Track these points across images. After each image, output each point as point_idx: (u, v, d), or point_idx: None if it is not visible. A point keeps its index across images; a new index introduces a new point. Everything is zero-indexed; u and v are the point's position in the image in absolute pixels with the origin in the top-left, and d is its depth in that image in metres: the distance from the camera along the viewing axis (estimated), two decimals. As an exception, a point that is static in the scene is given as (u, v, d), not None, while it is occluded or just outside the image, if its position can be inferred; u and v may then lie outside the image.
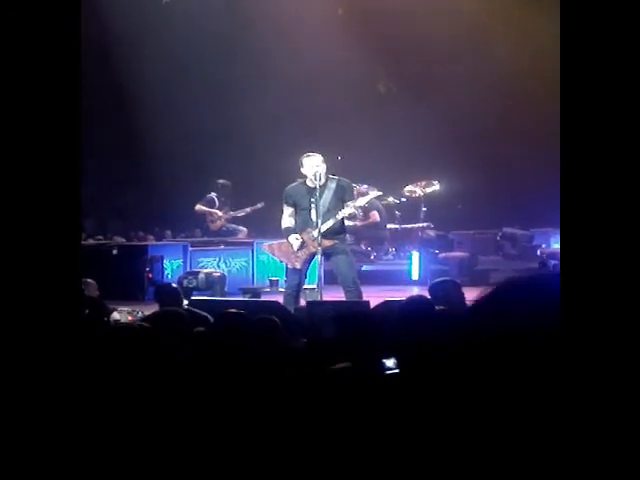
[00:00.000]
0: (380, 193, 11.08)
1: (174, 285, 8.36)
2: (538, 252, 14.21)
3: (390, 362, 3.82)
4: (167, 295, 7.05)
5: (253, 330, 4.79)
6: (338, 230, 8.88)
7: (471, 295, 6.41)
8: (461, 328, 1.66)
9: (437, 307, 4.78)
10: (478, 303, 1.65)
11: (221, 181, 14.46)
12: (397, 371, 3.68)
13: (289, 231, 8.94)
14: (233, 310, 5.34)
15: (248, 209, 14.43)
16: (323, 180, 8.77)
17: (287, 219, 8.99)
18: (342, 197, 8.88)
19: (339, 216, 8.81)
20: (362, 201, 9.68)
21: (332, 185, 8.84)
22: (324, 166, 8.80)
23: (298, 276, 8.88)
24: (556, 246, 14.60)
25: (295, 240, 8.82)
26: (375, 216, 14.05)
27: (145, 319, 5.93)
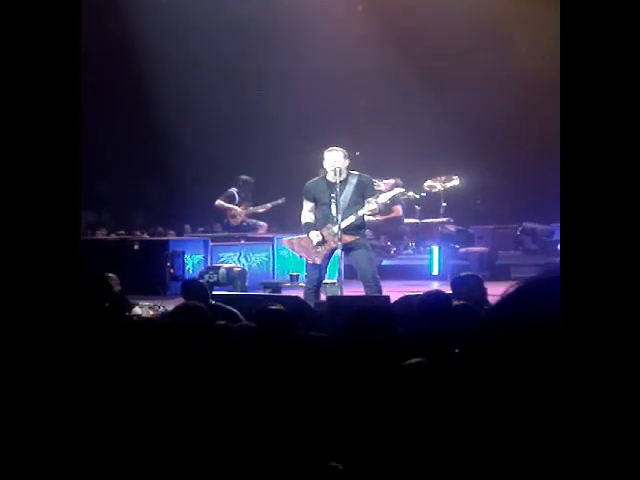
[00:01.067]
0: (403, 190, 10.97)
1: (201, 281, 8.42)
2: (558, 247, 14.16)
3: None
4: (194, 290, 7.11)
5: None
6: (359, 225, 8.89)
7: (492, 290, 6.41)
8: (485, 325, 1.67)
9: (455, 301, 4.80)
10: (502, 301, 1.66)
11: (243, 177, 14.43)
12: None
13: (309, 226, 8.96)
14: (274, 306, 5.36)
15: (269, 205, 14.39)
16: (344, 175, 8.77)
17: (307, 214, 9.01)
18: (363, 193, 8.89)
19: (360, 212, 8.80)
20: (385, 197, 9.64)
21: (353, 181, 8.85)
22: (346, 162, 8.81)
23: (318, 271, 8.90)
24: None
25: (316, 236, 8.84)
26: (398, 210, 14.04)
27: (167, 314, 5.97)
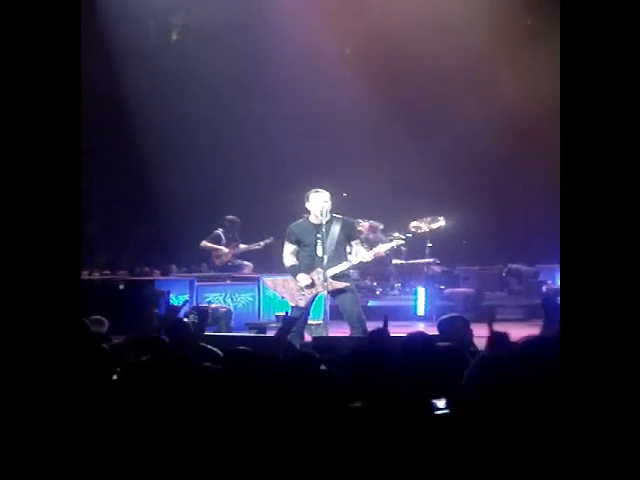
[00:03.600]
0: (402, 241, 10.81)
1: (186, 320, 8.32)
2: (543, 288, 14.21)
3: (441, 402, 3.75)
4: (179, 332, 7.04)
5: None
6: (345, 270, 8.93)
7: (478, 331, 6.43)
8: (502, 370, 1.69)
9: (440, 343, 4.81)
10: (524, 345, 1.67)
11: (230, 217, 14.49)
12: (447, 411, 3.59)
13: (294, 269, 8.95)
14: (242, 347, 5.34)
15: (261, 242, 14.37)
16: (328, 217, 8.82)
17: (289, 257, 9.00)
18: (348, 235, 8.94)
19: (355, 261, 8.87)
20: (383, 248, 9.74)
21: (337, 223, 8.88)
22: (330, 203, 8.86)
23: (302, 313, 8.89)
24: (561, 282, 14.56)
25: (304, 279, 8.83)
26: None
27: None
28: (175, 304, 10.84)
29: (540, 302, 10.46)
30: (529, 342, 1.73)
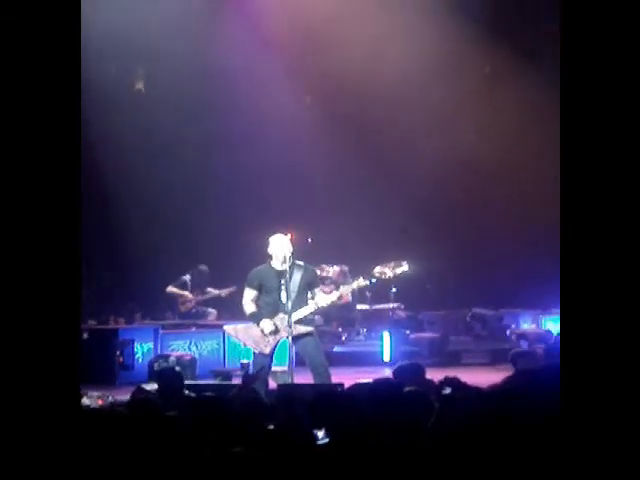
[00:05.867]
0: (367, 283, 10.85)
1: (177, 369, 8.29)
2: (508, 332, 14.28)
3: (320, 433, 3.88)
4: (168, 379, 7.04)
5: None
6: (309, 315, 8.89)
7: (440, 376, 6.44)
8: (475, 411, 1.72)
9: (407, 388, 4.83)
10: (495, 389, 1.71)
11: (201, 267, 14.54)
12: (327, 440, 3.72)
13: (256, 316, 8.83)
14: (209, 394, 5.34)
15: (227, 290, 14.28)
16: (290, 262, 8.79)
17: (250, 304, 8.87)
18: (310, 282, 8.90)
19: (321, 304, 8.81)
20: (348, 289, 9.75)
21: (299, 270, 8.85)
22: (291, 248, 8.84)
23: (266, 360, 8.81)
24: (525, 326, 14.71)
25: (269, 325, 8.75)
26: (348, 296, 14.08)
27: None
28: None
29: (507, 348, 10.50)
30: (494, 387, 1.76)
